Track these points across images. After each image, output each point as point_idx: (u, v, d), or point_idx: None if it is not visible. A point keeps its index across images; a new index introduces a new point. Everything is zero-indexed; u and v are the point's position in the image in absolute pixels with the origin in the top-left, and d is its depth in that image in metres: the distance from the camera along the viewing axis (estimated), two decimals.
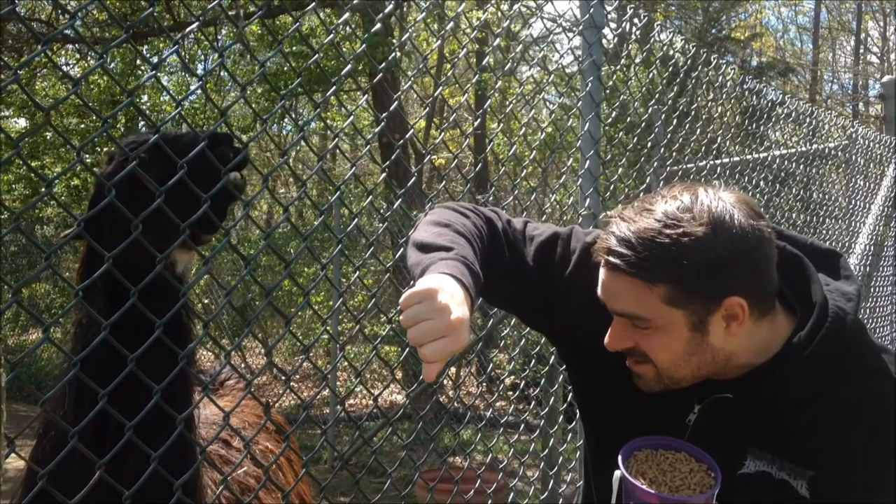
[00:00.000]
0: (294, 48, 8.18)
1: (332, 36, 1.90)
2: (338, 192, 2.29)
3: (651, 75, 3.86)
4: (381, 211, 6.97)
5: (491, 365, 5.85)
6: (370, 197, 2.31)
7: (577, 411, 2.62)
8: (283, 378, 8.31)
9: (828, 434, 1.40)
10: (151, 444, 1.37)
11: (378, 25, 2.18)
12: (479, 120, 8.17)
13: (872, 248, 5.27)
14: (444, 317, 1.23)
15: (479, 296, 1.45)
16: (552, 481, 2.83)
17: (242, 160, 1.62)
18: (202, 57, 12.27)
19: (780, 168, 4.98)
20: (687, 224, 1.33)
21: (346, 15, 2.01)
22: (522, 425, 3.20)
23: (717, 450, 1.41)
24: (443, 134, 3.13)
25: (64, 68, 10.25)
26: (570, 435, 2.89)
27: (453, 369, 7.98)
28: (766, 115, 4.83)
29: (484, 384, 7.96)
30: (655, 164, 3.96)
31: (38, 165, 10.68)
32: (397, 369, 8.08)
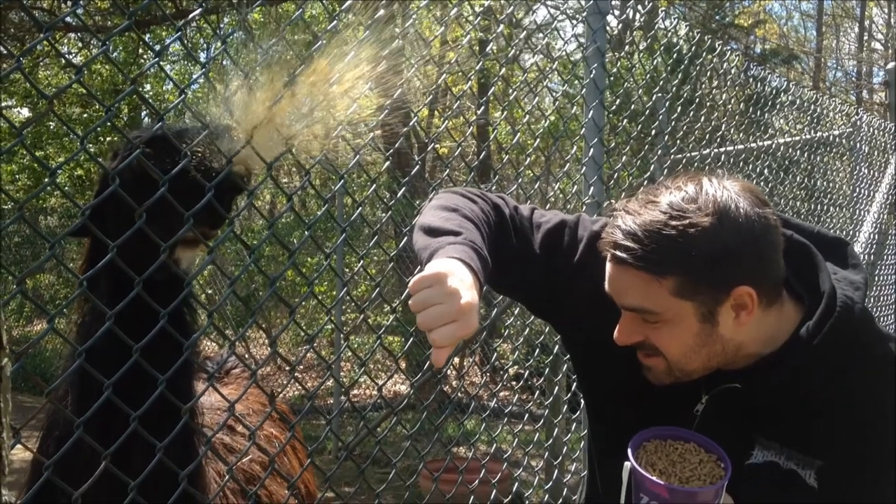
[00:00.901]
0: (297, 36, 8.14)
1: (335, 23, 1.89)
2: (341, 181, 2.28)
3: (655, 63, 3.84)
4: (385, 200, 6.96)
5: (495, 355, 5.85)
6: (373, 186, 2.31)
7: (581, 401, 2.62)
8: (288, 368, 8.33)
9: (836, 424, 1.40)
10: (156, 435, 1.37)
11: (381, 12, 2.17)
12: (482, 108, 8.14)
13: (876, 236, 5.25)
14: (454, 301, 1.23)
15: (487, 281, 1.45)
16: (556, 471, 2.83)
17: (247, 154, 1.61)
18: (204, 45, 12.24)
19: (783, 156, 4.96)
20: (693, 215, 1.32)
21: (349, 2, 1.99)
22: (526, 415, 3.20)
23: (725, 440, 1.40)
24: (446, 122, 3.12)
25: (66, 57, 10.23)
26: (574, 425, 2.89)
27: (457, 359, 7.98)
28: (769, 103, 4.81)
29: (487, 374, 7.97)
30: (659, 152, 3.95)
31: (42, 155, 10.67)
32: (401, 359, 8.08)
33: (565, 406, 3.16)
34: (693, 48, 3.83)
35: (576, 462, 2.86)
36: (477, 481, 2.43)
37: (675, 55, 3.94)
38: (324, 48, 1.70)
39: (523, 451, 2.83)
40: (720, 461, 1.39)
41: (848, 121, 5.67)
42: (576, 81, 3.29)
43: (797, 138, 5.12)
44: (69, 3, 6.92)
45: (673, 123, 4.00)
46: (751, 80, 4.73)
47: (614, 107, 3.47)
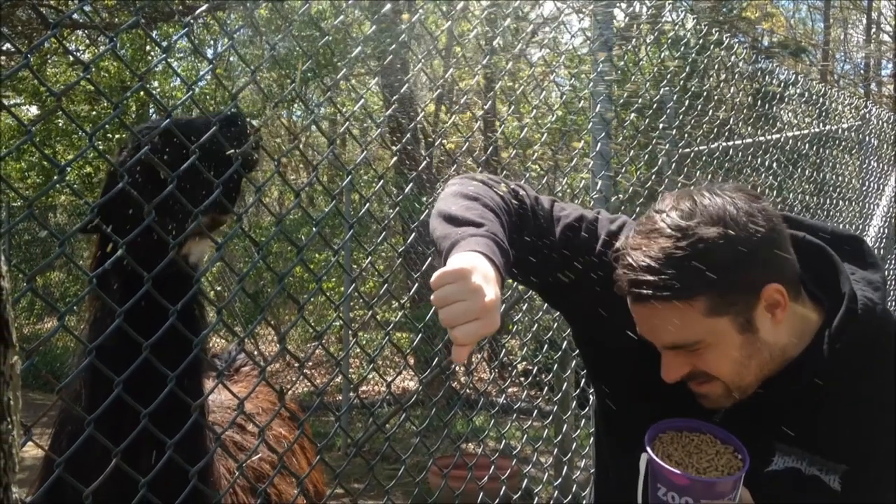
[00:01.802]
0: (304, 32, 8.15)
1: (341, 17, 1.89)
2: (349, 177, 2.28)
3: (662, 56, 3.82)
4: (392, 196, 6.96)
5: (503, 350, 5.83)
6: (381, 181, 2.30)
7: (591, 396, 2.61)
8: (297, 365, 8.33)
9: (860, 427, 1.38)
10: (166, 432, 1.37)
11: (387, 6, 2.16)
12: (489, 103, 8.12)
13: (886, 230, 5.23)
14: (478, 298, 1.21)
15: (509, 274, 1.42)
16: (566, 467, 2.83)
17: (254, 141, 1.62)
18: (211, 42, 12.24)
19: (792, 150, 4.94)
20: (698, 229, 1.30)
21: None
22: (535, 411, 3.19)
23: (744, 447, 1.38)
24: (453, 117, 3.11)
25: (74, 54, 10.25)
26: (584, 421, 2.88)
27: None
28: (778, 96, 4.78)
29: (496, 370, 7.96)
30: (667, 146, 3.93)
31: (51, 153, 10.70)
32: (409, 356, 8.09)
33: (574, 402, 3.16)
34: (700, 41, 3.81)
35: (585, 458, 2.85)
36: (486, 478, 2.42)
37: (682, 48, 3.91)
38: None
39: (532, 448, 2.82)
40: (737, 452, 1.38)
41: (856, 114, 5.63)
42: (583, 75, 3.28)
43: (805, 132, 5.09)
44: (76, 1, 6.93)
45: (681, 117, 3.98)
46: (759, 73, 4.70)
47: (622, 101, 3.46)
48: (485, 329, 1.22)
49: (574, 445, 3.10)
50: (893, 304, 5.42)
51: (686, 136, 4.19)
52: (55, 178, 1.40)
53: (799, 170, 4.89)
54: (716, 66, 4.18)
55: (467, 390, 7.00)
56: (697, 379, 1.40)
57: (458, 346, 1.22)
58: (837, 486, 1.38)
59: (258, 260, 1.71)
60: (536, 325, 2.98)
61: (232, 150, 1.52)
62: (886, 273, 5.20)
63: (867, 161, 5.54)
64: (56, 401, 1.51)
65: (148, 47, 10.57)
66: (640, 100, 3.55)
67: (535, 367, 3.20)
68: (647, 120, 3.59)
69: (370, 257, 2.13)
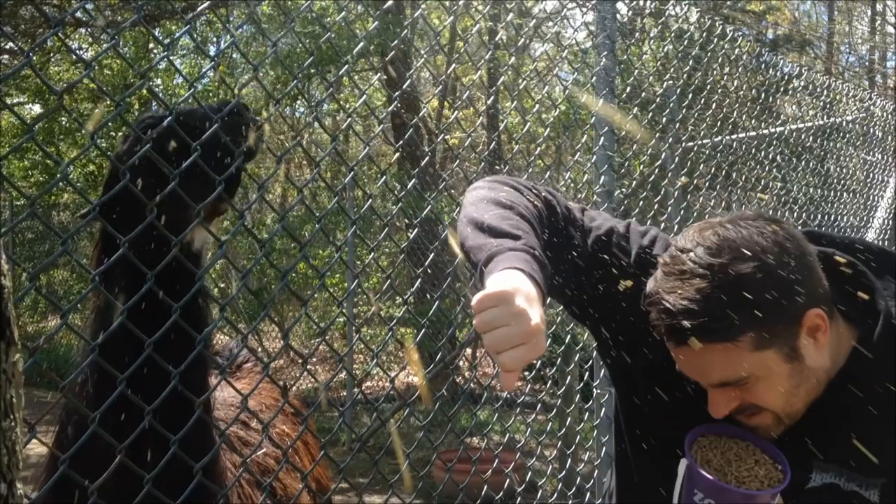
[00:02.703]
0: (306, 29, 8.16)
1: (343, 14, 1.88)
2: (352, 173, 2.27)
3: (665, 50, 3.82)
4: (396, 192, 6.96)
5: None
6: (384, 177, 2.30)
7: (595, 390, 2.61)
8: (300, 361, 8.36)
9: None
10: (171, 428, 1.37)
11: (389, 2, 2.16)
12: (492, 98, 8.11)
13: (890, 221, 5.22)
14: (523, 323, 1.18)
15: (549, 291, 1.37)
16: (570, 460, 2.83)
17: (255, 129, 1.62)
18: (213, 39, 12.24)
19: (796, 142, 4.93)
20: (731, 266, 1.27)
21: None
22: (539, 405, 3.20)
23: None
24: (456, 113, 3.10)
25: (76, 52, 10.26)
26: (587, 414, 2.88)
27: (469, 350, 7.98)
28: (781, 89, 4.77)
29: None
30: (670, 140, 3.92)
31: (54, 151, 10.70)
32: (413, 351, 8.07)
33: (578, 395, 3.16)
34: (704, 34, 3.80)
35: (589, 451, 2.85)
36: (490, 471, 2.42)
37: (685, 42, 3.90)
38: None
39: (537, 441, 2.82)
40: (777, 463, 1.36)
41: (861, 106, 5.61)
42: (586, 70, 3.28)
43: (810, 124, 5.08)
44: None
45: (684, 111, 3.97)
46: (763, 65, 4.69)
47: (625, 94, 3.45)
48: (531, 354, 1.19)
49: (578, 438, 3.10)
50: None
51: (689, 129, 4.18)
52: (58, 176, 1.40)
53: (803, 162, 4.88)
54: (719, 60, 4.17)
55: (471, 385, 7.00)
56: (747, 411, 1.38)
57: (506, 373, 1.19)
58: (877, 499, 1.37)
59: (261, 256, 1.71)
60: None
61: (233, 138, 1.52)
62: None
63: (872, 153, 5.53)
64: (59, 398, 1.51)
65: (150, 45, 10.58)
66: (643, 94, 3.54)
67: (539, 362, 3.21)
68: (651, 114, 3.59)
69: (374, 253, 2.13)
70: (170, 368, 1.39)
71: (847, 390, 1.37)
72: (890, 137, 5.73)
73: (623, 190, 3.34)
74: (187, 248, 1.55)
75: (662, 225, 3.58)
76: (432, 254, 2.40)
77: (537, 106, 3.24)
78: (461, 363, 7.54)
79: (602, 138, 2.95)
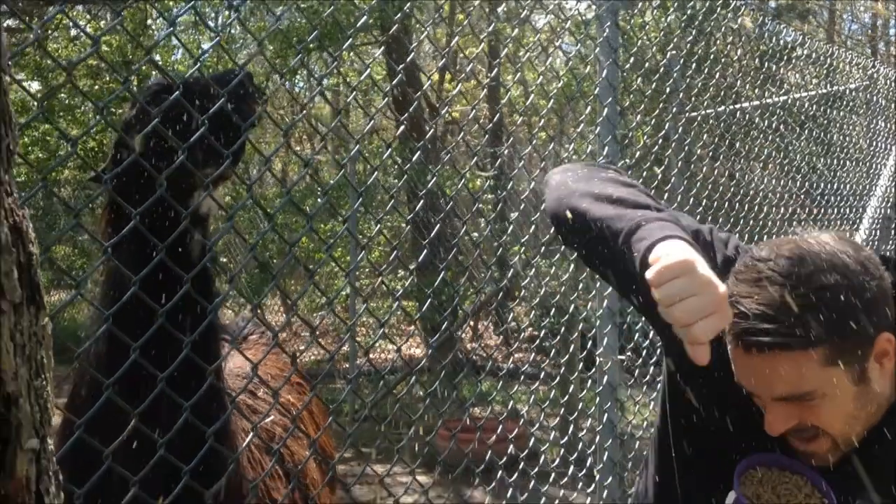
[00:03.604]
0: (307, 3, 8.11)
1: None
2: (356, 146, 2.29)
3: (668, 19, 3.81)
4: (399, 165, 6.95)
5: (511, 315, 5.85)
6: (389, 149, 2.31)
7: (597, 359, 2.63)
8: (306, 332, 8.37)
9: None
10: (183, 395, 1.40)
11: None
12: (494, 70, 8.08)
13: (893, 189, 5.23)
14: (711, 291, 1.16)
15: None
16: (571, 426, 2.87)
17: (260, 95, 1.63)
18: (213, 15, 12.16)
19: (799, 111, 4.92)
20: (814, 277, 1.25)
21: None
22: (542, 374, 3.24)
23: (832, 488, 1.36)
24: (459, 86, 3.11)
25: (75, 30, 10.21)
26: (589, 382, 2.91)
27: (472, 322, 8.03)
28: (784, 58, 4.76)
29: (502, 336, 8.01)
30: (674, 110, 3.92)
31: (54, 129, 10.69)
32: (416, 322, 8.13)
33: (581, 364, 3.19)
34: (707, 2, 3.78)
35: (591, 419, 2.88)
36: (493, 438, 2.46)
37: (689, 11, 3.89)
38: None
39: (539, 409, 2.86)
40: (824, 498, 1.35)
41: (864, 74, 5.60)
42: (588, 41, 3.27)
43: (812, 93, 5.07)
44: None
45: (687, 81, 3.96)
46: (766, 34, 4.68)
47: (628, 65, 3.45)
48: (723, 322, 1.17)
49: (580, 405, 3.14)
50: None
51: (692, 99, 4.18)
52: (69, 150, 1.42)
53: (806, 131, 4.88)
54: (722, 29, 4.16)
55: (474, 356, 7.05)
56: (804, 434, 1.35)
57: (698, 346, 1.17)
58: None
59: (269, 229, 1.73)
60: (543, 290, 3.00)
61: (240, 106, 1.53)
62: (894, 231, 5.20)
63: (875, 121, 5.52)
64: (71, 370, 1.54)
65: (149, 21, 10.52)
66: (646, 63, 3.54)
67: (542, 331, 3.24)
68: (654, 84, 3.59)
69: (380, 224, 2.15)
70: (182, 336, 1.41)
71: None
72: (893, 105, 5.71)
73: (626, 160, 3.35)
74: (195, 213, 1.56)
75: (665, 195, 3.60)
76: (438, 224, 2.43)
77: (540, 78, 3.24)
78: (463, 336, 7.59)
79: (605, 109, 2.96)
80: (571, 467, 2.67)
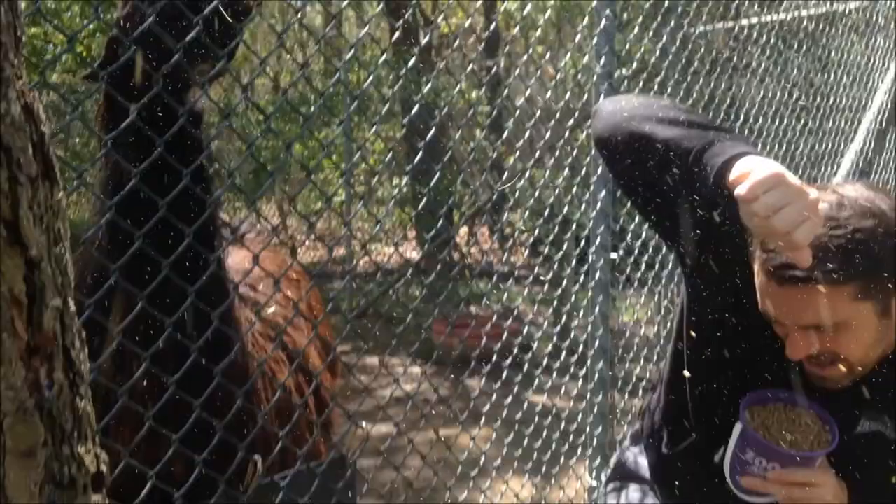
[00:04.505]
0: None
1: None
2: (352, 50, 2.28)
3: None
4: (392, 76, 6.86)
5: (505, 215, 5.85)
6: (384, 55, 2.30)
7: (592, 256, 2.67)
8: (302, 235, 8.40)
9: None
10: (187, 282, 1.44)
11: None
12: None
13: (889, 104, 5.24)
14: (805, 197, 1.22)
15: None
16: (564, 317, 2.95)
17: None
18: None
19: (798, 28, 4.87)
20: (852, 220, 1.35)
21: None
22: (535, 270, 3.28)
23: (836, 410, 1.49)
24: None
25: None
26: (582, 277, 2.95)
27: (466, 227, 8.09)
28: None
29: (497, 241, 8.07)
30: (672, 24, 3.87)
31: (41, 32, 10.44)
32: (410, 228, 8.17)
33: (574, 260, 3.23)
34: None
35: (582, 312, 2.93)
36: (488, 328, 2.48)
37: None
38: None
39: (532, 303, 2.93)
40: (826, 424, 1.48)
41: None
42: None
43: (812, 12, 5.01)
44: None
45: None
46: None
47: None
48: (818, 226, 1.25)
49: (573, 298, 3.21)
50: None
51: (691, 14, 4.12)
52: (65, 47, 1.42)
53: (804, 47, 4.83)
54: None
55: (468, 259, 7.12)
56: (821, 360, 1.45)
57: (801, 251, 1.24)
58: None
59: (266, 129, 1.75)
60: (538, 193, 3.02)
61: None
62: (888, 143, 5.23)
63: (874, 38, 5.46)
64: (79, 252, 1.57)
65: None
66: None
67: (535, 233, 3.27)
68: None
69: (375, 127, 2.16)
70: (184, 227, 1.44)
71: None
72: (893, 24, 5.65)
73: (623, 70, 3.33)
74: (190, 108, 1.57)
75: None
76: (431, 130, 2.44)
77: None
78: (458, 240, 7.66)
79: (603, 21, 2.91)
80: (563, 353, 2.75)
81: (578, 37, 3.22)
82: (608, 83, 2.70)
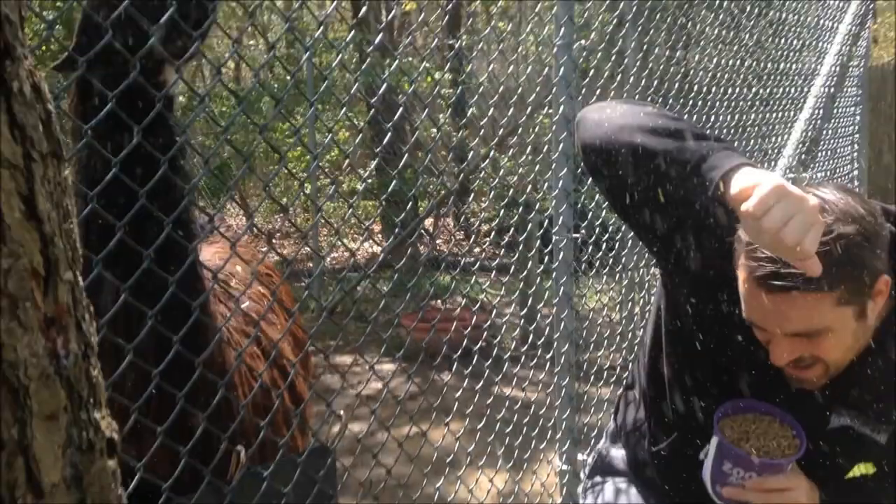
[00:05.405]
0: None
1: None
2: (319, 31, 2.28)
3: None
4: (356, 59, 6.78)
5: (469, 207, 5.86)
6: (348, 37, 2.31)
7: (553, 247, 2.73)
8: (274, 225, 8.32)
9: None
10: (165, 273, 1.44)
11: None
12: None
13: (838, 68, 5.32)
14: (808, 206, 1.24)
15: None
16: (531, 299, 2.99)
17: None
18: None
19: None
20: (835, 226, 1.36)
21: None
22: (498, 259, 3.31)
23: (807, 409, 1.57)
24: None
25: None
26: (546, 258, 2.99)
27: (430, 220, 8.10)
28: None
29: (462, 232, 8.09)
30: None
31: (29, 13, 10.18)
32: (375, 223, 8.16)
33: (539, 241, 3.26)
34: None
35: (548, 292, 2.97)
36: (453, 325, 2.51)
37: None
38: None
39: (499, 298, 2.98)
40: (792, 429, 1.58)
41: None
42: None
43: None
44: None
45: None
46: None
47: None
48: (821, 230, 1.26)
49: (538, 280, 3.25)
50: (851, 139, 5.53)
51: None
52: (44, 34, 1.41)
53: (757, 9, 4.81)
54: None
55: (433, 252, 7.15)
56: (801, 363, 1.49)
57: (810, 260, 1.26)
58: (884, 441, 1.56)
59: (238, 112, 1.76)
60: (499, 178, 3.04)
61: None
62: (836, 110, 5.33)
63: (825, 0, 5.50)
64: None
65: None
66: None
67: (497, 222, 3.30)
68: None
69: (345, 113, 2.16)
70: (162, 216, 1.45)
71: (875, 350, 1.52)
72: None
73: (583, 42, 3.33)
74: (164, 90, 1.56)
75: (618, 76, 3.60)
76: (397, 118, 2.43)
77: None
78: (422, 231, 7.69)
79: None
80: (531, 337, 2.79)
81: (539, 5, 3.21)
82: (567, 55, 2.68)
